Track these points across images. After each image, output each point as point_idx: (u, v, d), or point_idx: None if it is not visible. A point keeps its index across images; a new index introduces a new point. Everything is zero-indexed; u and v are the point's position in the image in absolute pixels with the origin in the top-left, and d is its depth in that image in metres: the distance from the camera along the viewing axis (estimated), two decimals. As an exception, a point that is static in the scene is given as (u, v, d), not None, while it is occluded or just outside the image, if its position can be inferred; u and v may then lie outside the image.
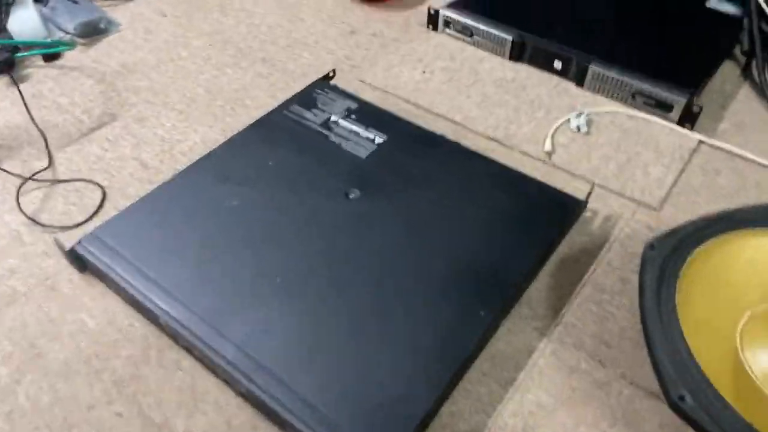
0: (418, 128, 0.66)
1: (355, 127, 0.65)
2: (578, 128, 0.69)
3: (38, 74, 0.77)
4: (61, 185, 0.63)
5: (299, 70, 0.78)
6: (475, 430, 0.45)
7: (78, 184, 0.63)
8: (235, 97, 0.74)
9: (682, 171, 0.65)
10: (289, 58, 0.81)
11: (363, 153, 0.62)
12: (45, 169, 0.64)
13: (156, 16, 0.88)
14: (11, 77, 0.72)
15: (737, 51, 0.79)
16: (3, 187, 0.62)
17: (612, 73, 0.71)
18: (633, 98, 0.71)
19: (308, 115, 0.66)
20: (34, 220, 0.59)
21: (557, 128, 0.69)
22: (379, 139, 0.63)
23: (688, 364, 0.39)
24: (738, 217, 0.49)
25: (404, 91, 0.75)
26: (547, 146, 0.67)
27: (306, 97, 0.69)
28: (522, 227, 0.55)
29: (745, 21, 0.78)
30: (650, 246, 0.46)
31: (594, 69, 0.72)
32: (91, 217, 0.59)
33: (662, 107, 0.70)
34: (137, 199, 0.57)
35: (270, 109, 0.67)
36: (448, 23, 0.83)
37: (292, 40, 0.84)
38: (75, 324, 0.51)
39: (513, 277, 0.51)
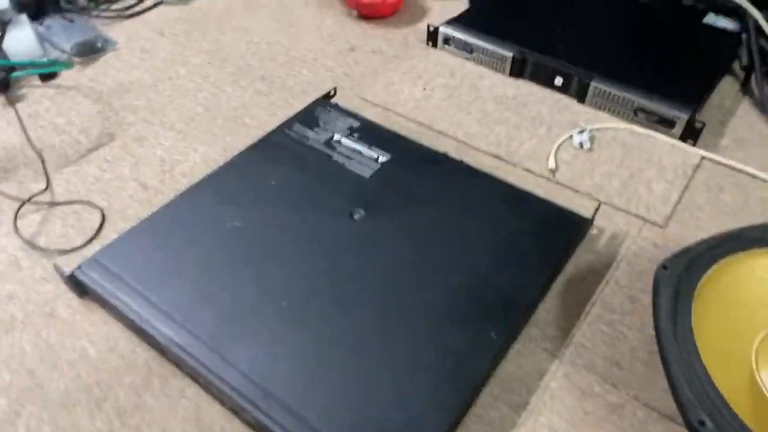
0: (421, 146, 0.65)
1: (357, 146, 0.64)
2: (581, 145, 0.69)
3: (34, 94, 0.76)
4: (59, 207, 0.61)
5: (299, 88, 0.78)
6: (488, 456, 0.44)
7: (76, 206, 0.62)
8: (235, 115, 0.74)
9: (686, 187, 0.64)
10: (288, 75, 0.80)
11: (366, 172, 0.61)
12: (42, 191, 0.63)
13: (153, 34, 0.88)
14: (7, 97, 0.71)
15: (736, 66, 0.80)
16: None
17: (613, 90, 0.71)
18: (635, 114, 0.71)
19: (310, 134, 0.66)
20: (32, 244, 0.57)
21: (560, 145, 0.69)
22: (382, 158, 0.63)
23: (706, 387, 0.39)
24: (747, 236, 0.49)
25: (405, 109, 0.75)
26: (551, 163, 0.67)
27: (308, 116, 0.68)
28: (530, 246, 0.54)
29: (744, 37, 0.79)
30: (663, 266, 0.46)
31: (595, 85, 0.72)
32: (90, 241, 0.58)
33: (664, 123, 0.70)
34: (137, 220, 0.56)
35: (270, 127, 0.67)
36: (447, 40, 0.83)
37: (291, 57, 0.84)
38: (75, 351, 0.49)
39: (523, 297, 0.50)
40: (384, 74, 0.80)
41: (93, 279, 0.51)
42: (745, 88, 0.78)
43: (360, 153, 0.63)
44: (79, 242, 0.58)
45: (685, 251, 0.47)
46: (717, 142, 0.70)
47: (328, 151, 0.64)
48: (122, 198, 0.63)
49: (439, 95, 0.77)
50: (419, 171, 0.62)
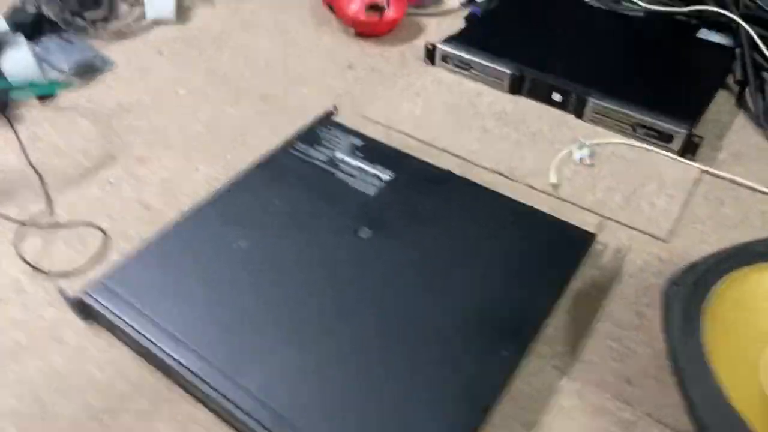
0: (424, 163, 0.66)
1: (361, 164, 0.64)
2: (581, 160, 0.69)
3: (33, 114, 0.76)
4: (61, 229, 0.61)
5: (299, 106, 0.78)
6: (503, 476, 0.44)
7: (78, 228, 0.61)
8: (236, 134, 0.74)
9: (687, 201, 0.65)
10: (288, 93, 0.80)
11: (371, 190, 0.61)
12: (44, 213, 0.62)
13: (151, 54, 0.88)
14: (7, 118, 0.70)
15: (730, 80, 0.81)
16: (0, 232, 0.60)
17: (612, 105, 0.72)
18: (633, 130, 0.72)
19: (313, 152, 0.66)
20: (34, 267, 0.57)
21: (561, 160, 0.70)
22: (385, 176, 0.63)
23: (721, 404, 0.39)
24: (752, 250, 0.50)
25: (405, 126, 0.75)
26: (553, 179, 0.67)
27: (310, 135, 0.68)
28: (537, 262, 0.54)
29: (738, 51, 0.80)
30: (671, 282, 0.46)
31: (594, 101, 0.73)
32: (93, 263, 0.58)
33: (663, 138, 0.70)
34: (140, 241, 0.56)
35: (272, 145, 0.67)
36: (445, 58, 0.84)
37: (290, 75, 0.84)
38: (82, 376, 0.49)
39: (533, 314, 0.50)
40: (383, 92, 0.81)
41: (100, 303, 0.50)
42: (740, 102, 0.79)
43: (363, 171, 0.64)
44: (83, 265, 0.57)
45: (692, 266, 0.48)
46: (715, 156, 0.71)
47: (331, 169, 0.64)
48: (125, 219, 0.62)
49: (439, 112, 0.77)
50: (423, 188, 0.62)
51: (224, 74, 0.84)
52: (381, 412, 0.44)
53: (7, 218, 0.61)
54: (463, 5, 0.99)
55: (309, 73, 0.85)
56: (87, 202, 0.64)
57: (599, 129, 0.75)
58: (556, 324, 0.53)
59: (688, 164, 0.69)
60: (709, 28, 0.88)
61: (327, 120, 0.71)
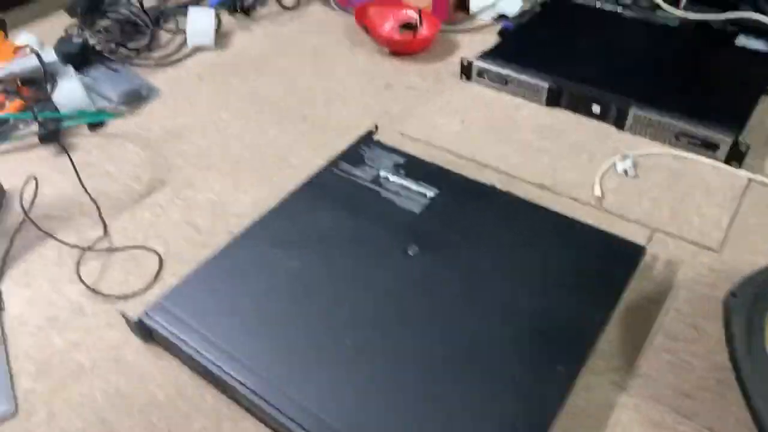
0: (467, 179, 0.66)
1: (405, 182, 0.65)
2: (625, 172, 0.69)
3: (84, 143, 0.79)
4: (118, 253, 0.63)
5: (339, 126, 0.79)
6: (565, 493, 0.43)
7: (134, 251, 0.63)
8: (280, 155, 0.75)
9: (737, 211, 0.64)
10: (328, 114, 0.82)
11: (416, 208, 0.62)
12: (101, 238, 0.64)
13: (193, 80, 0.90)
14: (63, 147, 0.73)
15: (772, 87, 0.80)
16: (60, 257, 0.63)
17: (654, 115, 0.72)
18: (677, 139, 0.71)
19: (357, 172, 0.67)
20: (95, 291, 0.59)
21: (604, 173, 0.69)
22: (430, 193, 0.64)
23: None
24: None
25: (445, 142, 0.76)
26: (597, 191, 0.67)
27: (353, 154, 0.69)
28: (588, 276, 0.54)
29: (779, 57, 0.79)
30: (732, 294, 0.46)
31: (635, 112, 0.73)
32: (150, 285, 0.59)
33: (707, 147, 0.70)
34: (194, 263, 0.57)
35: (316, 166, 0.68)
36: (481, 73, 0.84)
37: (329, 97, 0.86)
38: (145, 397, 0.50)
39: (588, 329, 0.50)
40: (421, 109, 0.82)
41: (160, 324, 0.51)
42: (784, 107, 0.78)
43: (408, 189, 0.64)
44: (140, 287, 0.59)
45: (752, 278, 0.47)
46: (762, 163, 0.70)
47: (376, 188, 0.65)
48: (177, 242, 0.64)
49: (478, 127, 0.78)
50: (468, 204, 0.62)
51: (265, 97, 0.86)
52: (437, 429, 0.44)
53: (66, 244, 0.64)
54: (495, 20, 1.00)
55: (347, 92, 0.86)
56: (139, 225, 0.66)
57: (641, 139, 0.74)
58: (611, 338, 0.53)
59: (735, 173, 0.68)
60: (747, 35, 0.87)
61: (369, 139, 0.72)
